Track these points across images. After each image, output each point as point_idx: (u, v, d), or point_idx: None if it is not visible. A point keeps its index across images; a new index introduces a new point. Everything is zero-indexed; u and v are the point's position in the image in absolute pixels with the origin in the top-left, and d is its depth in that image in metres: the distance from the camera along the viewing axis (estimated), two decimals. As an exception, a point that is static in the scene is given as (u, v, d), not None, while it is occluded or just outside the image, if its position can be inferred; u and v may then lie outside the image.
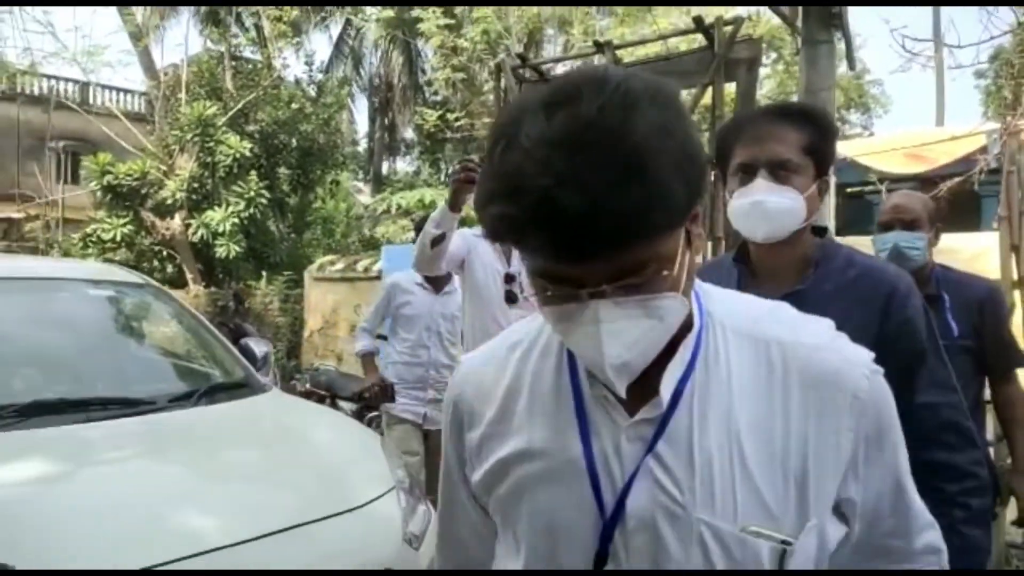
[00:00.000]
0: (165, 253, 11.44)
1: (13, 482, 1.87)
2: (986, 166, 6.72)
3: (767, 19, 12.50)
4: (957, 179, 6.40)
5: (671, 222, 0.68)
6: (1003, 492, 2.48)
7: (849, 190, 8.84)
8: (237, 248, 10.54)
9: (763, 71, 15.32)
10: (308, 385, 5.38)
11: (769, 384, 0.79)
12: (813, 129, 1.40)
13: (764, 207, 1.36)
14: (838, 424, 0.77)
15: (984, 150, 7.75)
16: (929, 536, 0.88)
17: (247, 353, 3.07)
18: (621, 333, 0.71)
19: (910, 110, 33.19)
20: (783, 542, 0.74)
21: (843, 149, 9.72)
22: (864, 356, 0.81)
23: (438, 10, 13.32)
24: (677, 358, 0.78)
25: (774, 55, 15.33)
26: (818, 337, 0.82)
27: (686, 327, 0.78)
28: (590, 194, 0.62)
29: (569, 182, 0.62)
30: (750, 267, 1.47)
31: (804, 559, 0.76)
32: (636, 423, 0.78)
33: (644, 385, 0.77)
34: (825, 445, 0.77)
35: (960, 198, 7.93)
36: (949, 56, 7.90)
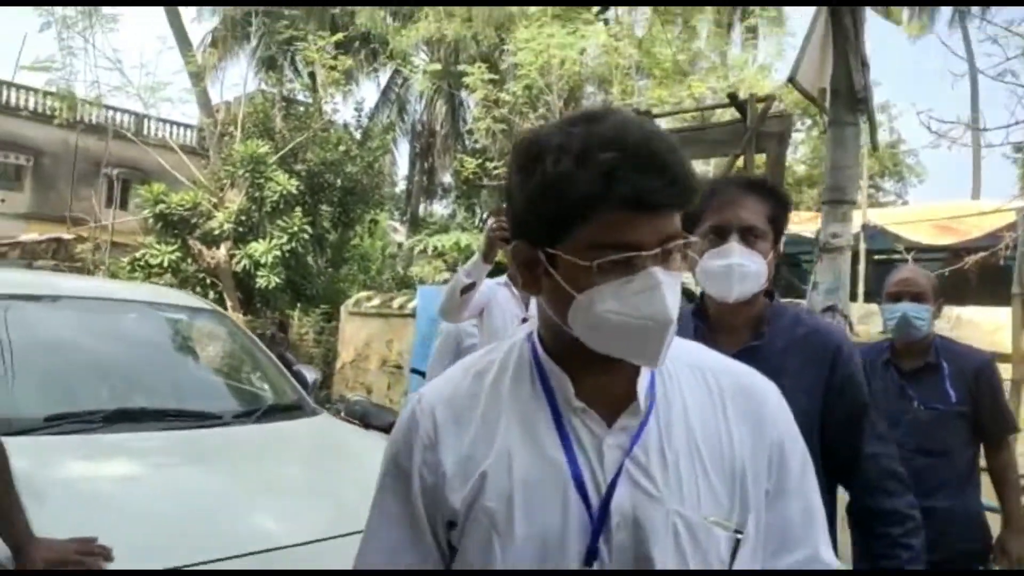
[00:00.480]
0: (208, 280, 11.89)
1: (98, 478, 2.12)
2: (1011, 242, 6.86)
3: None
4: (983, 253, 6.56)
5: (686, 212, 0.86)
6: (995, 551, 2.62)
7: (877, 257, 8.98)
8: (277, 279, 10.93)
9: (798, 135, 15.65)
10: (343, 414, 5.61)
11: (711, 401, 0.94)
12: (775, 201, 1.55)
13: (740, 270, 1.47)
14: (762, 430, 0.94)
15: (1013, 226, 7.87)
16: (823, 555, 0.97)
17: (299, 378, 3.34)
18: (671, 298, 0.84)
19: (946, 181, 33.27)
20: (736, 532, 0.88)
21: (874, 217, 9.88)
22: (771, 383, 1.00)
23: (483, 64, 13.88)
24: (642, 378, 0.91)
25: (809, 121, 15.66)
26: (739, 367, 1.00)
27: None
28: (672, 150, 0.82)
29: (654, 138, 0.82)
30: (708, 323, 1.58)
31: (751, 547, 0.89)
32: (615, 432, 0.89)
33: (615, 401, 0.89)
34: (756, 447, 0.92)
35: (988, 273, 8.03)
36: (982, 136, 8.12)
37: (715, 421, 0.92)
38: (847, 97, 3.61)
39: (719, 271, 1.49)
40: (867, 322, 5.77)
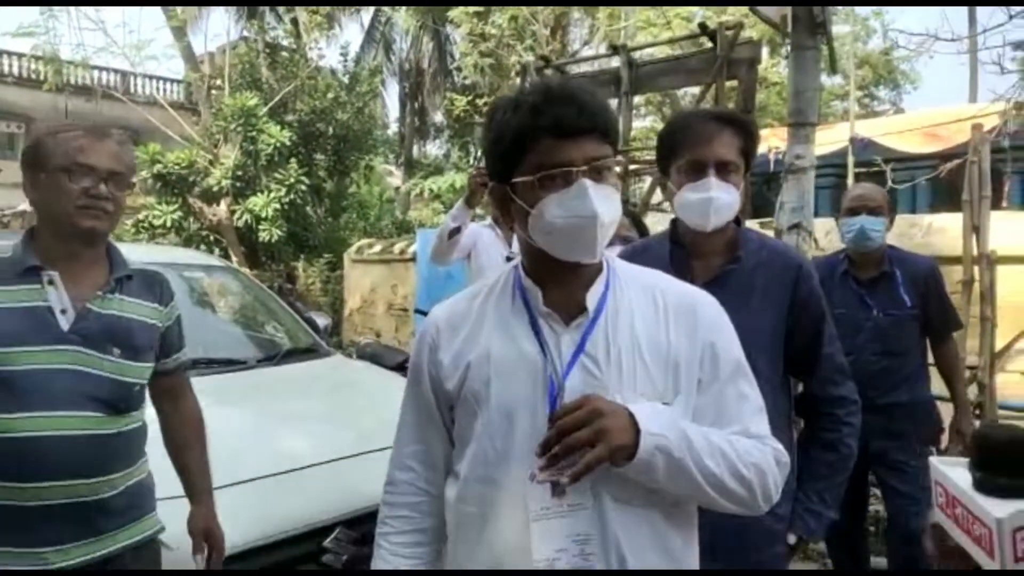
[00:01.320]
0: (212, 238, 12.14)
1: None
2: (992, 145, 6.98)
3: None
4: (957, 161, 6.69)
5: (612, 143, 1.14)
6: (949, 433, 2.94)
7: (858, 170, 9.13)
8: (279, 232, 11.17)
9: (776, 59, 15.42)
10: (355, 356, 5.96)
11: (655, 312, 1.20)
12: (746, 135, 1.66)
13: (717, 202, 1.61)
14: (696, 334, 1.19)
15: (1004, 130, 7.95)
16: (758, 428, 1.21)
17: (311, 324, 3.66)
18: (601, 202, 1.10)
19: (944, 86, 32.67)
20: (664, 403, 1.14)
21: (862, 129, 9.96)
22: (710, 299, 1.25)
23: (466, -1, 13.67)
24: (594, 288, 1.18)
25: (785, 49, 15.41)
26: (684, 288, 1.26)
27: (599, 269, 1.19)
28: (586, 92, 1.14)
29: (572, 84, 1.16)
30: (684, 249, 1.73)
31: (679, 414, 1.14)
32: (571, 329, 1.17)
33: (572, 307, 1.17)
34: (690, 346, 1.18)
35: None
36: (971, 40, 8.06)
37: (656, 326, 1.17)
38: (807, 22, 3.76)
39: (697, 203, 1.63)
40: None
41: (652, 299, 1.21)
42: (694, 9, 13.36)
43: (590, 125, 1.10)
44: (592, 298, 1.18)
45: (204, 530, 1.81)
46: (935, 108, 11.72)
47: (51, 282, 1.54)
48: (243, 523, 1.98)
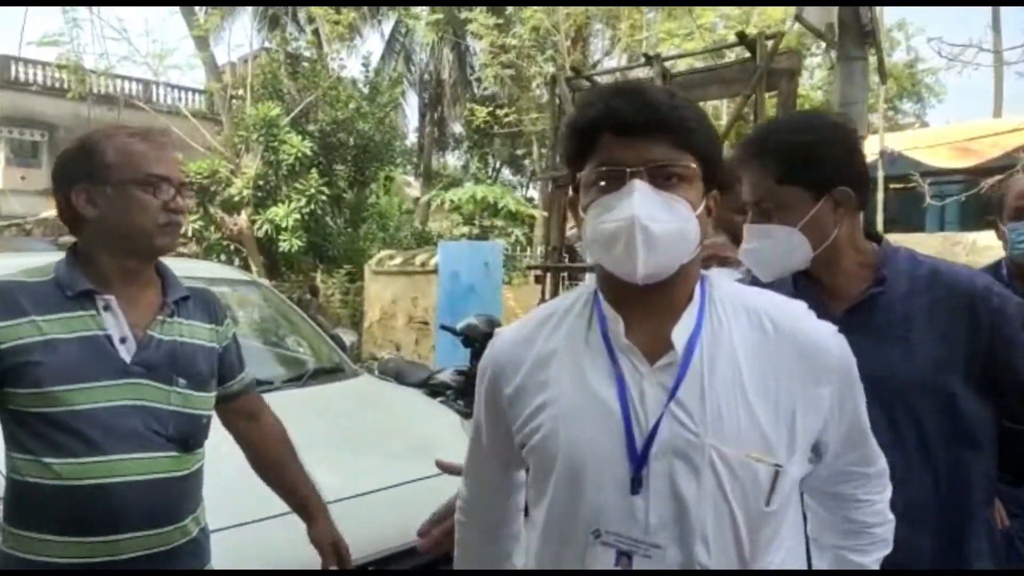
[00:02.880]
0: (232, 247, 12.13)
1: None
2: (1030, 160, 6.77)
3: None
4: (998, 177, 6.50)
5: (693, 148, 0.97)
6: None
7: (894, 185, 8.91)
8: (299, 243, 11.13)
9: (814, 60, 15.23)
10: (377, 373, 5.85)
11: (764, 345, 0.99)
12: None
13: (759, 256, 1.40)
14: (819, 382, 0.98)
15: (1033, 143, 7.73)
16: (881, 464, 1.13)
17: (337, 341, 3.53)
18: (650, 205, 0.93)
19: (968, 100, 32.29)
20: (776, 465, 0.94)
21: (892, 142, 9.76)
22: (830, 329, 1.03)
23: (486, 9, 13.65)
24: (684, 319, 0.99)
25: (825, 44, 15.23)
26: (797, 312, 1.03)
27: (691, 294, 1.01)
28: (655, 90, 1.01)
29: (643, 83, 1.07)
30: (812, 276, 1.41)
31: (790, 481, 0.97)
32: (656, 370, 0.97)
33: (660, 342, 0.98)
34: (809, 397, 0.98)
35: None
36: (997, 54, 7.91)
37: (766, 364, 0.97)
38: (854, 30, 3.62)
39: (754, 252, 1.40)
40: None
41: (760, 327, 1.00)
42: (716, 19, 13.24)
43: (655, 123, 0.95)
44: (682, 333, 0.98)
45: (332, 543, 1.68)
46: (963, 122, 11.50)
47: (107, 307, 1.38)
48: (273, 562, 1.83)
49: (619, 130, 0.95)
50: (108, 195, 1.38)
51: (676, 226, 0.94)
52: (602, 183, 0.97)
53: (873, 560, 1.14)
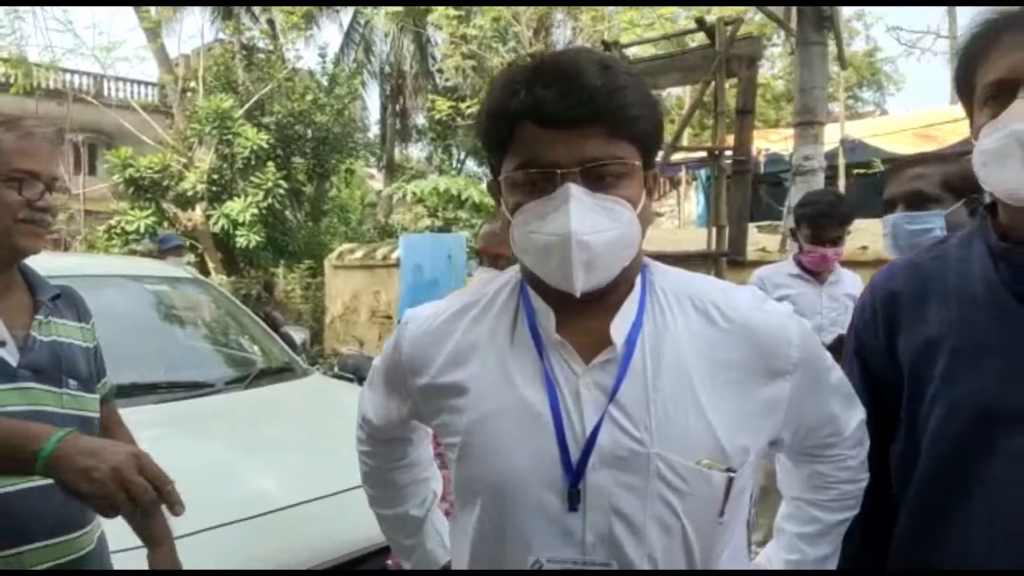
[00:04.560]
0: (188, 244, 11.78)
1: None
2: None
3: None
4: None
5: (633, 136, 0.83)
6: None
7: (857, 171, 8.99)
8: (257, 238, 10.85)
9: (775, 50, 15.34)
10: (336, 369, 5.69)
11: (713, 336, 0.88)
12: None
13: None
14: (776, 376, 0.89)
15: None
16: (854, 423, 1.00)
17: (288, 340, 3.38)
18: (587, 216, 0.81)
19: (925, 88, 33.04)
20: (729, 471, 0.85)
21: (853, 130, 9.86)
22: (786, 312, 0.92)
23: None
24: (623, 311, 0.88)
25: (784, 32, 15.36)
26: (749, 300, 0.92)
27: (630, 284, 0.90)
28: (584, 68, 0.81)
29: (571, 56, 0.84)
30: (1001, 231, 1.01)
31: (741, 483, 0.87)
32: (591, 368, 0.86)
33: (596, 338, 0.87)
34: (766, 393, 0.88)
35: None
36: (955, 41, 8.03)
37: (716, 358, 0.87)
38: (813, 16, 3.57)
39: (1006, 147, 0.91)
40: (847, 239, 5.82)
41: (705, 317, 0.90)
42: (679, 10, 13.23)
43: (588, 113, 0.80)
44: (621, 326, 0.87)
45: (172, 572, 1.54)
46: (923, 109, 11.69)
47: None
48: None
49: (546, 123, 0.81)
50: None
51: (617, 232, 0.83)
52: (530, 183, 0.84)
53: (836, 520, 1.05)
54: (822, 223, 2.70)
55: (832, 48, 3.91)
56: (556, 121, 0.81)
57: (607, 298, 0.88)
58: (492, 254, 1.19)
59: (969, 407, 0.98)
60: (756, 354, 0.88)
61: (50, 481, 1.24)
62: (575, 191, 0.81)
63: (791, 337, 0.90)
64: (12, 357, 1.27)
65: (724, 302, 0.91)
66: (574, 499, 0.84)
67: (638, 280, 0.91)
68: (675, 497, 0.84)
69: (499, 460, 0.87)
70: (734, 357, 0.88)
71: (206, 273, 11.70)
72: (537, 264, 0.86)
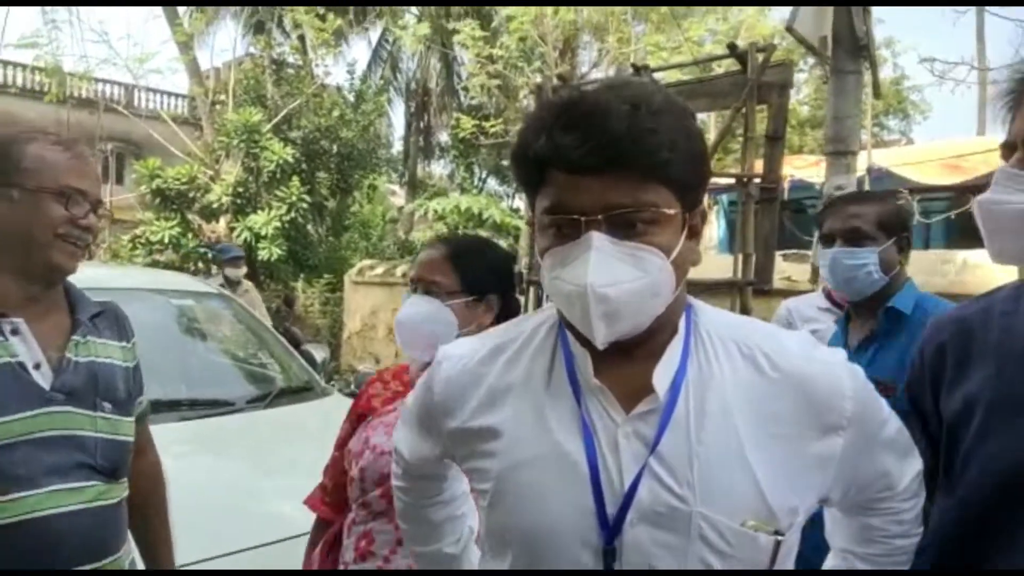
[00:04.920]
0: (210, 255, 11.88)
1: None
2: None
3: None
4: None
5: (666, 179, 0.79)
6: None
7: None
8: (279, 251, 10.91)
9: (801, 76, 15.30)
10: (353, 387, 5.66)
11: (761, 386, 0.83)
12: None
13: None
14: (829, 431, 0.83)
15: (1020, 162, 7.76)
16: (910, 475, 0.94)
17: (308, 358, 3.36)
18: (607, 266, 0.77)
19: (952, 117, 32.77)
20: (777, 534, 0.80)
21: (879, 159, 9.76)
22: (839, 360, 0.87)
23: (474, 21, 13.60)
24: (666, 357, 0.83)
25: (812, 60, 15.34)
26: (799, 347, 0.87)
27: (673, 328, 0.85)
28: (610, 109, 0.77)
29: (598, 96, 0.79)
30: None
31: (789, 544, 0.82)
32: (632, 418, 0.82)
33: (637, 385, 0.82)
34: (817, 450, 0.83)
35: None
36: (988, 72, 7.95)
37: (765, 409, 0.82)
38: (849, 44, 3.52)
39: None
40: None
41: (754, 365, 0.85)
42: (705, 33, 13.23)
43: (610, 159, 0.76)
44: (664, 373, 0.83)
45: None
46: (949, 139, 11.55)
47: (15, 331, 1.26)
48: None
49: (570, 169, 0.78)
50: (15, 200, 1.25)
51: (644, 283, 0.79)
52: (556, 228, 0.82)
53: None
54: None
55: (865, 76, 3.86)
56: (578, 168, 0.78)
57: (648, 343, 0.84)
58: (427, 281, 1.28)
59: (1003, 462, 0.94)
60: (807, 407, 0.83)
61: (76, 507, 1.24)
62: (597, 240, 0.78)
63: (845, 389, 0.85)
64: (46, 380, 1.26)
65: (773, 349, 0.86)
66: (609, 557, 0.80)
67: (682, 324, 0.86)
68: (717, 560, 0.79)
69: (531, 511, 0.83)
70: (783, 409, 0.83)
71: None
72: (563, 310, 0.85)
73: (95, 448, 1.28)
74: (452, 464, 1.08)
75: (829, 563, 1.06)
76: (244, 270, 5.79)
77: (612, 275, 0.77)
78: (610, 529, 0.79)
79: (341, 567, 1.43)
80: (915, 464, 0.96)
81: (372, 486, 1.38)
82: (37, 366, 1.26)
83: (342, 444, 1.55)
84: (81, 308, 1.36)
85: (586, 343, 0.84)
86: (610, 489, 0.80)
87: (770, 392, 0.83)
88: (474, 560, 1.12)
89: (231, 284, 5.49)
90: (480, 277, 1.44)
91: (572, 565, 0.81)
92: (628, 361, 0.84)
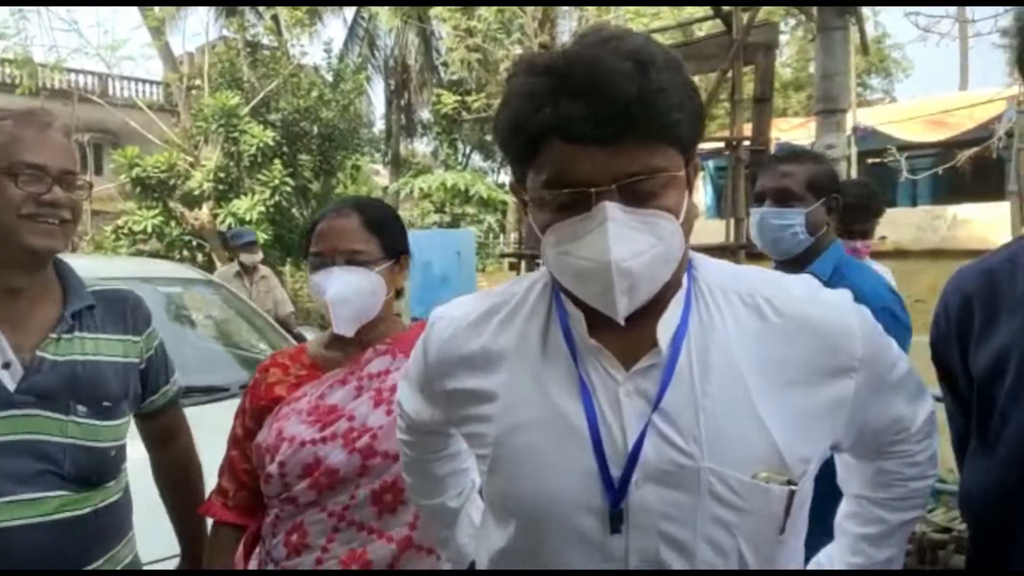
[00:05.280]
0: (194, 243, 11.75)
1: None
2: (1004, 134, 6.77)
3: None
4: (975, 149, 6.47)
5: (674, 140, 0.75)
6: None
7: (871, 160, 8.88)
8: (264, 236, 10.80)
9: (782, 37, 15.20)
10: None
11: (767, 334, 0.80)
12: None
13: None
14: (839, 374, 0.81)
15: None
16: (922, 416, 0.93)
17: (300, 341, 3.32)
18: (627, 238, 0.73)
19: (933, 74, 32.74)
20: (790, 483, 0.77)
21: (864, 118, 9.74)
22: (845, 301, 0.85)
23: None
24: (668, 311, 0.80)
25: (793, 21, 15.23)
26: (804, 290, 0.85)
27: (675, 284, 0.81)
28: (629, 79, 0.71)
29: (603, 57, 0.72)
30: None
31: (803, 495, 0.80)
32: (633, 375, 0.79)
33: (636, 341, 0.79)
34: (827, 394, 0.80)
35: (982, 167, 7.93)
36: (970, 25, 7.92)
37: (770, 357, 0.79)
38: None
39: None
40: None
41: (758, 314, 0.81)
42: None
43: (622, 127, 0.71)
44: (667, 327, 0.79)
45: None
46: (933, 96, 11.54)
47: None
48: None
49: (575, 141, 0.72)
50: None
51: (660, 250, 0.75)
52: (557, 201, 0.76)
53: (903, 520, 0.97)
54: (854, 215, 2.60)
55: (852, 33, 3.81)
56: (587, 139, 0.72)
57: (648, 301, 0.80)
58: (348, 251, 1.31)
59: None
60: (816, 351, 0.80)
61: (35, 519, 1.16)
62: (612, 210, 0.73)
63: (854, 330, 0.82)
64: (11, 381, 1.17)
65: (776, 295, 0.82)
66: (616, 520, 0.76)
67: (684, 279, 0.83)
68: (730, 515, 0.76)
69: (531, 477, 0.80)
70: (791, 355, 0.80)
71: (213, 272, 11.68)
72: (573, 287, 0.79)
73: (63, 455, 1.19)
74: None
75: (844, 510, 1.04)
76: (260, 255, 5.48)
77: (631, 247, 0.73)
78: (615, 491, 0.76)
79: (271, 566, 1.33)
80: (927, 404, 0.94)
81: (296, 479, 1.28)
82: (6, 366, 1.18)
83: (240, 442, 1.41)
84: (71, 301, 1.26)
85: (579, 303, 0.81)
86: (613, 449, 0.77)
87: (776, 339, 0.80)
88: (475, 514, 1.11)
89: (247, 270, 5.20)
90: (395, 238, 1.37)
91: (576, 531, 0.78)
92: (626, 320, 0.79)
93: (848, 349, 0.81)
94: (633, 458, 0.76)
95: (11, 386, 1.17)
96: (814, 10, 3.59)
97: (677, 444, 0.76)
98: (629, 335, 0.79)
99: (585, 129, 0.71)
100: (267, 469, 1.31)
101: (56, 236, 1.20)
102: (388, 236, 1.36)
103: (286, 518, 1.31)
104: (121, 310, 1.35)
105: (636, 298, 0.76)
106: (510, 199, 12.04)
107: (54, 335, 1.22)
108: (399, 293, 1.43)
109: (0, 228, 1.16)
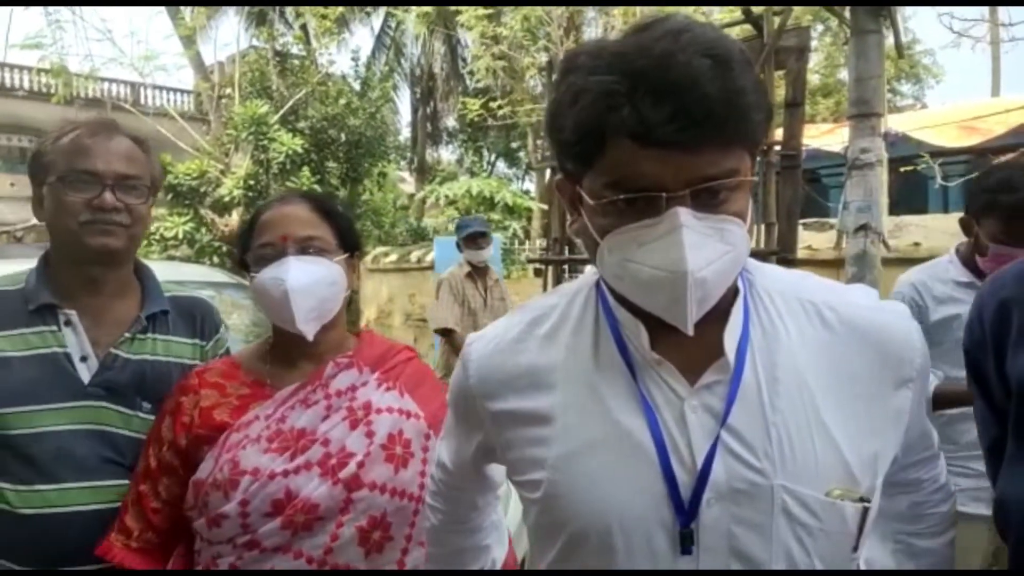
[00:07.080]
0: (224, 249, 11.90)
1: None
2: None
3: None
4: (1010, 155, 6.33)
5: (754, 141, 0.72)
6: None
7: (904, 168, 8.73)
8: (292, 242, 10.94)
9: (812, 43, 15.02)
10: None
11: (832, 344, 0.78)
12: None
13: None
14: (901, 384, 0.79)
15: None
16: (935, 435, 0.93)
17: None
18: (701, 245, 0.70)
19: (964, 80, 32.18)
20: (864, 500, 0.75)
21: (895, 123, 9.58)
22: (906, 311, 0.83)
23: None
24: (732, 319, 0.77)
25: (821, 27, 15.06)
26: (866, 299, 0.83)
27: (734, 291, 0.78)
28: (700, 70, 0.67)
29: (677, 55, 0.67)
30: None
31: (873, 512, 0.78)
32: (699, 390, 0.76)
33: (698, 352, 0.76)
34: (891, 405, 0.79)
35: (1016, 171, 7.73)
36: (1003, 29, 7.78)
37: (837, 368, 0.77)
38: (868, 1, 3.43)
39: None
40: (897, 236, 5.64)
41: (821, 322, 0.79)
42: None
43: (706, 131, 0.67)
44: (732, 337, 0.76)
45: None
46: (965, 101, 11.32)
47: (68, 322, 1.28)
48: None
49: (651, 143, 0.68)
50: (46, 195, 1.28)
51: (731, 257, 0.72)
52: (621, 205, 0.72)
53: (942, 543, 0.97)
54: None
55: (885, 36, 3.76)
56: (667, 143, 0.68)
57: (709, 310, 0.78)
58: (302, 239, 1.14)
59: None
60: (883, 361, 0.78)
61: (98, 506, 1.22)
62: (685, 217, 0.69)
63: (915, 341, 0.81)
64: (87, 374, 1.26)
65: (839, 302, 0.80)
66: (687, 540, 0.74)
67: (740, 284, 0.80)
68: (805, 535, 0.74)
69: (596, 500, 0.76)
70: (858, 367, 0.77)
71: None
72: (637, 296, 0.75)
73: (126, 447, 1.27)
74: (488, 490, 1.06)
75: (884, 552, 1.00)
76: (490, 251, 5.18)
77: (705, 255, 0.70)
78: (686, 511, 0.74)
79: None
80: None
81: (261, 519, 1.11)
82: (84, 359, 1.27)
83: (152, 475, 1.22)
84: (148, 305, 1.35)
85: (638, 313, 0.77)
86: (682, 468, 0.74)
87: (843, 349, 0.78)
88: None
89: (478, 272, 5.01)
90: (348, 229, 1.27)
91: (645, 553, 0.75)
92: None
93: (910, 359, 0.80)
94: (703, 476, 0.74)
95: (86, 378, 1.26)
96: (847, 13, 3.55)
97: (748, 461, 0.74)
98: (691, 346, 0.76)
99: (666, 132, 0.67)
100: (220, 510, 1.12)
101: (113, 235, 1.27)
102: (342, 226, 1.27)
103: (250, 564, 1.12)
104: (192, 316, 1.43)
105: (704, 307, 0.73)
106: (535, 205, 12.03)
107: (129, 334, 1.31)
108: (350, 302, 1.31)
109: (67, 232, 1.26)
